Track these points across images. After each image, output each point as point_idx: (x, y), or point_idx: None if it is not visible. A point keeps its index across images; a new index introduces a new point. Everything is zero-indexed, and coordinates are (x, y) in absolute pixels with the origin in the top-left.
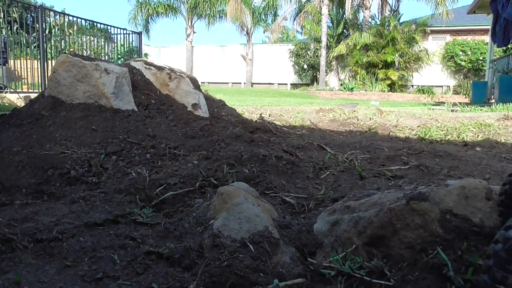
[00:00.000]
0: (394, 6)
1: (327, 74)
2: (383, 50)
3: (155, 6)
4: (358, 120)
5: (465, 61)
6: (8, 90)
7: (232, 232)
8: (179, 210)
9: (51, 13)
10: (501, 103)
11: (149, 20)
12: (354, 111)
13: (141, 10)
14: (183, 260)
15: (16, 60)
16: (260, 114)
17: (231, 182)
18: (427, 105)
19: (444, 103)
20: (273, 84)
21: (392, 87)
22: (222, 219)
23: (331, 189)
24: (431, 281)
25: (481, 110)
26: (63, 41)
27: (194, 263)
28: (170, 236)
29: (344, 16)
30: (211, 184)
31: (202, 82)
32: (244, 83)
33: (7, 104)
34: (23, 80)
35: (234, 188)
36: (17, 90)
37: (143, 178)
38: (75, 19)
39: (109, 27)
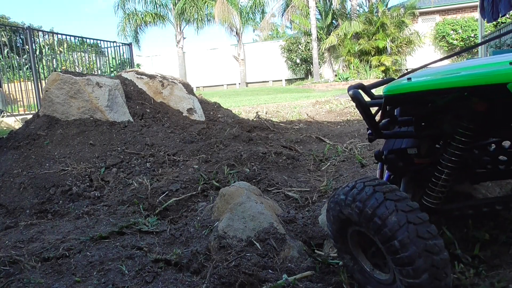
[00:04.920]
0: None
1: (320, 67)
2: (374, 37)
3: (142, 16)
4: (355, 109)
5: (457, 39)
6: (5, 114)
7: (237, 232)
8: (183, 216)
9: (40, 33)
10: None
11: (138, 31)
12: (351, 100)
13: (129, 21)
14: (191, 265)
15: (10, 84)
16: (257, 113)
17: (233, 183)
18: None
19: None
20: (267, 81)
21: (386, 73)
22: (226, 219)
23: (333, 179)
24: None
25: None
26: (54, 60)
27: (203, 266)
28: (177, 242)
29: (332, 6)
30: (213, 187)
31: (196, 87)
32: (239, 83)
33: (5, 128)
34: (18, 103)
35: (235, 188)
36: (14, 113)
37: (145, 188)
38: (64, 37)
39: (98, 41)
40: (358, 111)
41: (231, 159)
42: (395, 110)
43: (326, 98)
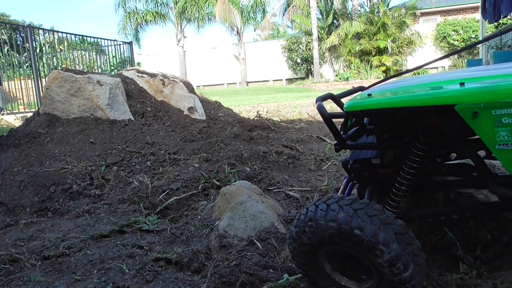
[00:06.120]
0: None
1: (321, 66)
2: (374, 37)
3: (143, 14)
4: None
5: (457, 40)
6: (5, 112)
7: (238, 231)
8: (184, 214)
9: (40, 31)
10: None
11: (139, 29)
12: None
13: (130, 19)
14: (192, 264)
15: (10, 82)
16: (257, 112)
17: (233, 182)
18: None
19: None
20: (268, 81)
21: (387, 73)
22: (227, 219)
23: (334, 179)
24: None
25: None
26: (54, 58)
27: (203, 265)
28: (177, 241)
29: (333, 6)
30: (213, 186)
31: (197, 86)
32: (240, 83)
33: (5, 126)
34: (19, 101)
35: (236, 187)
36: (14, 111)
37: (145, 186)
38: (64, 35)
39: (99, 40)
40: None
41: (232, 158)
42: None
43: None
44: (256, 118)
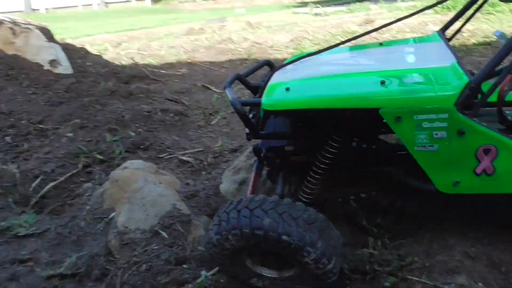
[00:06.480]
0: None
1: None
2: None
3: None
4: (233, 42)
5: None
6: None
7: (139, 223)
8: (67, 204)
9: None
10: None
11: None
12: (224, 25)
13: None
14: (92, 271)
15: None
16: (132, 58)
17: (118, 154)
18: (289, 7)
19: (307, 3)
20: (130, 1)
21: None
22: (126, 212)
23: (226, 137)
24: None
25: (343, 11)
26: None
27: (106, 271)
28: (66, 242)
29: None
30: (96, 161)
31: (46, 9)
32: (98, 4)
33: None
34: None
35: (130, 172)
36: None
37: (10, 173)
38: None
39: None
40: (238, 47)
41: (112, 122)
42: None
43: (199, 25)
44: (132, 65)
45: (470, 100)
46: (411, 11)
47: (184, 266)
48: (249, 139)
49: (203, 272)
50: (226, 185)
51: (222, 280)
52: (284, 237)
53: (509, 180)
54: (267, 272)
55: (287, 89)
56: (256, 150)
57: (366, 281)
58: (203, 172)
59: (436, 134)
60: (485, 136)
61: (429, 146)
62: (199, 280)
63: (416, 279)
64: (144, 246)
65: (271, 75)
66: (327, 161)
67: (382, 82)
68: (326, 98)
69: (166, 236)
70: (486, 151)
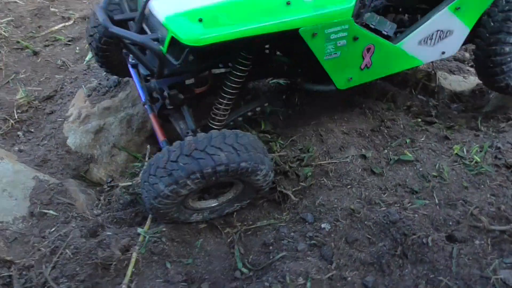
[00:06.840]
0: None
1: None
2: None
3: None
4: None
5: None
6: None
7: (13, 211)
8: None
9: None
10: None
11: None
12: None
13: None
14: None
15: None
16: None
17: None
18: None
19: None
20: None
21: None
22: None
23: (24, 85)
24: None
25: None
26: None
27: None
28: None
29: None
30: None
31: None
32: None
33: None
34: None
35: None
36: None
37: None
38: None
39: None
40: None
41: None
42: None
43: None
44: None
45: (359, 11)
46: None
47: (107, 233)
48: (147, 81)
49: (140, 230)
50: (75, 138)
51: (164, 229)
52: (243, 164)
53: (380, 68)
54: (207, 204)
55: (200, 20)
56: (153, 89)
57: (290, 178)
58: (20, 133)
59: (339, 43)
60: (368, 37)
61: (333, 54)
62: (141, 239)
63: (325, 162)
64: (41, 232)
65: (145, 4)
66: (236, 85)
67: (288, 3)
68: (252, 27)
69: (54, 213)
70: (368, 50)
